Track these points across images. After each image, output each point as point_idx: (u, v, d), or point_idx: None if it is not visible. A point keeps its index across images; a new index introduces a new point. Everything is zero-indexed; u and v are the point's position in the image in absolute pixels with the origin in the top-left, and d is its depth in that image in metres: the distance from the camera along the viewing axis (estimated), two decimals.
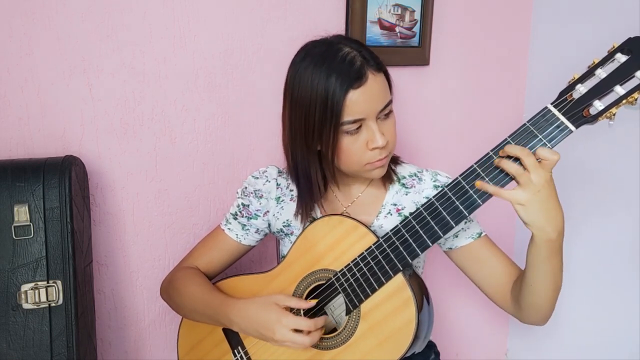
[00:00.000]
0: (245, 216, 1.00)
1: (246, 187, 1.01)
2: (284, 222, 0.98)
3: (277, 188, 0.99)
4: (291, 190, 0.98)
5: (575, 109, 0.72)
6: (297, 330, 0.81)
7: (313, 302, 0.86)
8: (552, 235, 0.73)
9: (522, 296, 0.82)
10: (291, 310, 0.85)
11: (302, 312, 0.89)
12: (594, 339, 1.44)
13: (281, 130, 0.90)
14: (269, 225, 1.01)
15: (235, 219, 1.01)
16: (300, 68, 0.82)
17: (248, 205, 1.00)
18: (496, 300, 0.90)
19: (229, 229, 1.01)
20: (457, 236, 0.91)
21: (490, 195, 0.76)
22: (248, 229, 1.00)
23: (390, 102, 0.84)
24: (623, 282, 1.34)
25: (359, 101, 0.79)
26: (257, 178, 1.00)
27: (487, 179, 0.75)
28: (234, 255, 1.03)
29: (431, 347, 1.06)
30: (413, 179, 0.96)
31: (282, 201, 0.99)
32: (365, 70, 0.79)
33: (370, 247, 0.83)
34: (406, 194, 0.95)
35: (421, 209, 0.80)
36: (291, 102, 0.84)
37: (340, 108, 0.78)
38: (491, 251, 0.91)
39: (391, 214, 0.94)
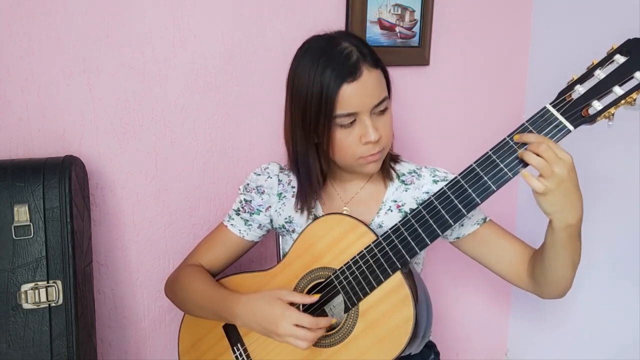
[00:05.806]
0: (248, 212, 1.00)
1: (248, 184, 1.01)
2: (285, 218, 0.98)
3: (279, 184, 1.00)
4: (293, 187, 0.99)
5: (574, 109, 0.73)
6: (299, 327, 0.81)
7: (316, 297, 0.86)
8: (571, 222, 0.73)
9: (541, 275, 0.83)
10: (294, 306, 0.86)
11: (301, 308, 0.89)
12: (593, 339, 1.44)
13: (283, 122, 0.92)
14: (271, 221, 1.01)
15: (238, 214, 1.01)
16: (300, 61, 0.85)
17: (250, 201, 1.00)
18: (512, 280, 0.91)
19: (231, 224, 1.01)
20: (462, 225, 0.92)
21: (490, 194, 0.76)
22: (250, 225, 1.01)
23: (386, 98, 0.86)
24: (623, 283, 1.34)
25: (352, 95, 0.80)
26: (259, 175, 1.01)
27: (486, 178, 0.76)
28: (237, 252, 1.03)
29: (431, 347, 1.06)
30: (412, 176, 0.96)
31: (284, 197, 0.99)
32: (360, 65, 0.81)
33: (370, 245, 0.84)
34: (406, 190, 0.95)
35: (420, 207, 0.81)
36: (292, 94, 0.87)
37: (334, 101, 0.80)
38: (498, 234, 0.91)
39: (391, 211, 0.94)
